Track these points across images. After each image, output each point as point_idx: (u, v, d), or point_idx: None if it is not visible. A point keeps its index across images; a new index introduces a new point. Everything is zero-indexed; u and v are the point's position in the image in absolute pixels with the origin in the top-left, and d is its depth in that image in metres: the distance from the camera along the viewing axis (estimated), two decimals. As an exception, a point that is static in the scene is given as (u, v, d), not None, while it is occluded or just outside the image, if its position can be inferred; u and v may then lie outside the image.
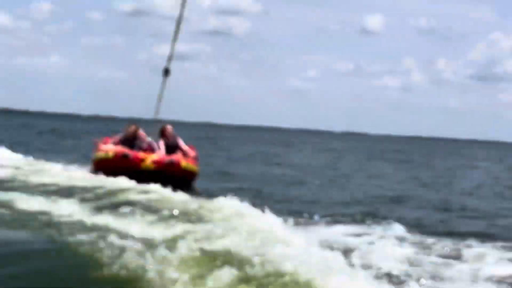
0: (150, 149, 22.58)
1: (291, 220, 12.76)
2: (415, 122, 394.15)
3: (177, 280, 8.01)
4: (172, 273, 8.16)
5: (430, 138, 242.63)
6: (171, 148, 22.75)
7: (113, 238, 9.47)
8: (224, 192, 17.14)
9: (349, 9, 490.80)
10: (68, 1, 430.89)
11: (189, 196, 17.48)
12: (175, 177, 21.06)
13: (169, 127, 23.06)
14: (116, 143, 23.25)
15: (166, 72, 23.91)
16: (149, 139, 23.02)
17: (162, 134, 22.93)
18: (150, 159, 21.72)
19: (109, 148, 22.93)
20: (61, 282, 8.16)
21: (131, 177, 20.67)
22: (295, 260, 8.51)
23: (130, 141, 23.03)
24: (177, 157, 22.07)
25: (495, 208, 21.73)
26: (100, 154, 22.76)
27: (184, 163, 21.83)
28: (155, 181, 20.04)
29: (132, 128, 23.43)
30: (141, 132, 23.11)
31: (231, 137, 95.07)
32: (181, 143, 23.20)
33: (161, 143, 22.68)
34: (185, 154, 22.60)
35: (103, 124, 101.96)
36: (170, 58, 23.69)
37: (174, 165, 21.56)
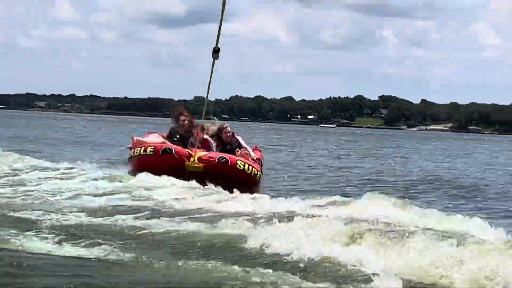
0: (205, 148, 18.69)
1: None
2: None
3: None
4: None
5: None
6: (230, 149, 19.11)
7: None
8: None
9: None
10: None
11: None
12: (229, 180, 16.95)
13: (227, 127, 19.58)
14: (162, 138, 19.31)
15: (216, 52, 19.24)
16: (206, 136, 19.09)
17: (218, 135, 19.54)
18: (197, 156, 17.76)
19: (148, 142, 18.88)
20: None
21: (175, 177, 17.10)
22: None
23: (181, 136, 19.14)
24: (232, 156, 18.23)
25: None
26: (137, 150, 18.52)
27: (241, 163, 17.93)
28: (204, 183, 16.72)
29: (183, 118, 19.28)
30: (198, 130, 19.09)
31: None
32: (243, 143, 19.48)
33: (214, 144, 19.10)
34: (246, 155, 18.84)
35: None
36: (218, 37, 19.24)
37: (228, 165, 17.66)
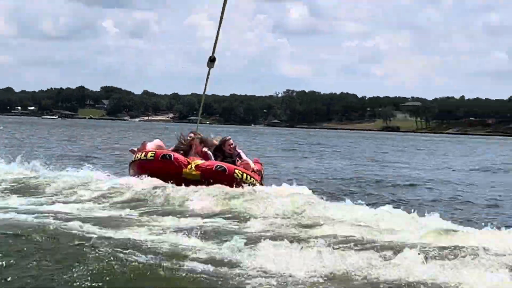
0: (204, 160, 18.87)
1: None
2: None
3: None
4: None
5: None
6: (231, 162, 19.05)
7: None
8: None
9: None
10: None
11: None
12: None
13: (229, 139, 19.84)
14: None
15: (212, 61, 19.75)
16: (206, 149, 19.50)
17: (221, 147, 19.70)
18: (195, 164, 18.06)
19: (149, 149, 19.35)
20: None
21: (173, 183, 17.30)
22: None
23: (183, 151, 19.40)
24: (230, 165, 18.35)
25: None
26: (139, 155, 19.12)
27: (239, 172, 18.00)
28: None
29: (189, 137, 19.81)
30: (196, 142, 19.45)
31: None
32: (244, 156, 19.69)
33: (212, 156, 19.20)
34: (247, 165, 19.00)
35: None
36: (215, 46, 19.56)
37: (225, 174, 17.71)
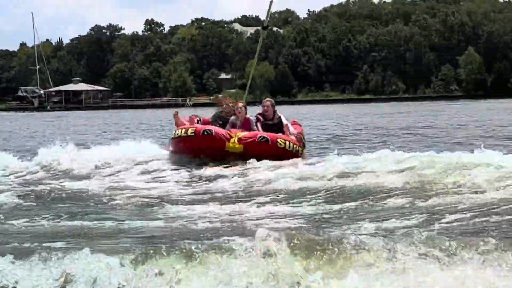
0: (246, 128, 18.30)
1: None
2: None
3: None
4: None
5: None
6: (272, 127, 18.48)
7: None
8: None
9: None
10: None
11: None
12: (271, 159, 16.38)
13: (268, 102, 19.09)
14: (205, 123, 19.05)
15: (265, 28, 21.78)
16: (249, 116, 18.83)
17: (261, 112, 18.97)
18: (237, 137, 17.50)
19: (189, 124, 18.65)
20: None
21: (216, 159, 17.07)
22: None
23: (223, 118, 19.00)
24: (273, 134, 17.80)
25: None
26: (179, 132, 18.27)
27: (281, 141, 17.50)
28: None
29: (227, 102, 19.44)
30: (239, 107, 18.71)
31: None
32: (283, 119, 18.88)
33: (258, 124, 18.53)
34: (287, 132, 18.24)
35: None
36: (268, 15, 20.90)
37: (268, 144, 17.30)
